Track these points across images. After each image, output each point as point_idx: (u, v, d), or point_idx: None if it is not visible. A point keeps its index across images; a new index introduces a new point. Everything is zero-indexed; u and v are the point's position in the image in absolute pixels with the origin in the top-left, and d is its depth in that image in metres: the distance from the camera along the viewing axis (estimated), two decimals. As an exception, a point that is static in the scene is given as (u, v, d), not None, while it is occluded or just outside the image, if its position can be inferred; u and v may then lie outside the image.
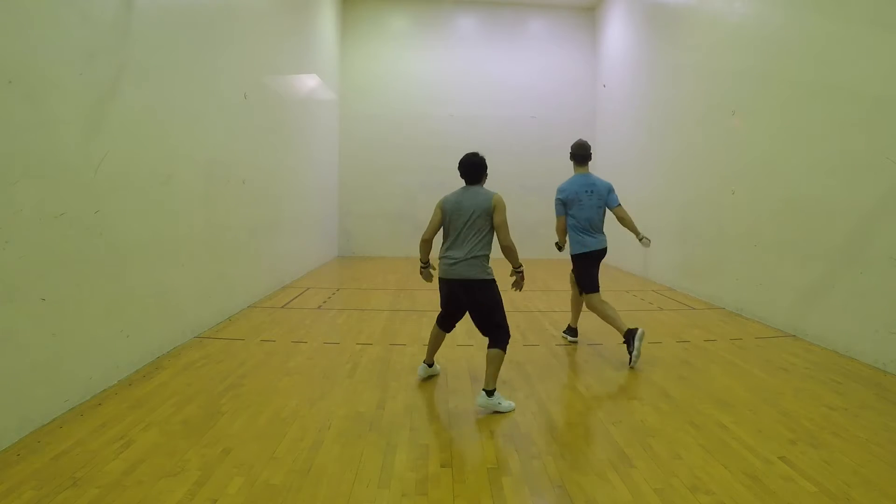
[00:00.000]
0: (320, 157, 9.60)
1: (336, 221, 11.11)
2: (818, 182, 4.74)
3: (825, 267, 4.59)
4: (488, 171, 3.64)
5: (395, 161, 11.23)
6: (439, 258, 3.36)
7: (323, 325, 5.23)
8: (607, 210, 4.48)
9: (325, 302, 6.34)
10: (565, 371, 3.95)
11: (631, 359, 3.94)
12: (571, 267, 4.52)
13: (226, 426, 2.86)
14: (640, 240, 4.45)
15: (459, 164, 3.58)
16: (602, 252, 4.41)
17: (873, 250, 4.09)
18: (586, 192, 4.36)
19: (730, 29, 6.22)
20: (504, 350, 3.19)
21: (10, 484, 2.22)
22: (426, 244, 3.44)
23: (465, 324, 5.35)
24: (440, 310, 3.55)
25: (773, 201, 5.33)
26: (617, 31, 10.30)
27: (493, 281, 3.26)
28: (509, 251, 3.29)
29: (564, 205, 4.40)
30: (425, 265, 3.51)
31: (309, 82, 8.63)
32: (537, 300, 6.71)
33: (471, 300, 3.26)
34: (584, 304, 4.52)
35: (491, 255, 3.31)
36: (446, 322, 3.57)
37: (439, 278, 3.37)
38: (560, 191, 4.43)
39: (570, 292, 4.75)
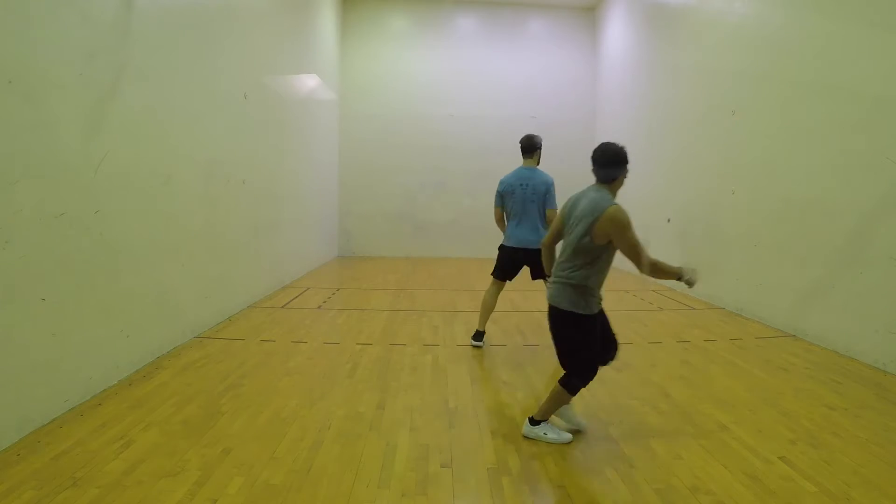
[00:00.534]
0: (320, 157, 9.60)
1: (336, 221, 11.10)
2: (818, 182, 4.74)
3: (825, 267, 4.59)
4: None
5: (395, 161, 11.22)
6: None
7: (323, 325, 5.23)
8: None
9: (325, 302, 6.34)
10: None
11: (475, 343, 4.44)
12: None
13: (226, 426, 2.86)
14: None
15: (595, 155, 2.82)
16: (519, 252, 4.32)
17: (873, 250, 4.09)
18: (521, 185, 4.33)
19: (730, 29, 6.22)
20: (569, 389, 2.72)
21: (10, 484, 2.22)
22: (548, 250, 3.03)
23: (466, 324, 5.39)
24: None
25: (773, 201, 5.33)
26: (617, 31, 10.30)
27: (581, 316, 2.69)
28: None
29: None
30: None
31: (309, 82, 8.63)
32: (537, 300, 6.71)
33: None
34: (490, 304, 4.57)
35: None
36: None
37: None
38: (500, 183, 4.67)
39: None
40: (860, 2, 4.36)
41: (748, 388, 3.58)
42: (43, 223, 2.80)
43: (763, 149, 5.55)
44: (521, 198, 4.28)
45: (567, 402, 2.80)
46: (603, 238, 2.58)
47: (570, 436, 2.79)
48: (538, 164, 4.49)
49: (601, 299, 2.77)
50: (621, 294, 7.12)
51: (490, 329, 5.12)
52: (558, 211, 3.09)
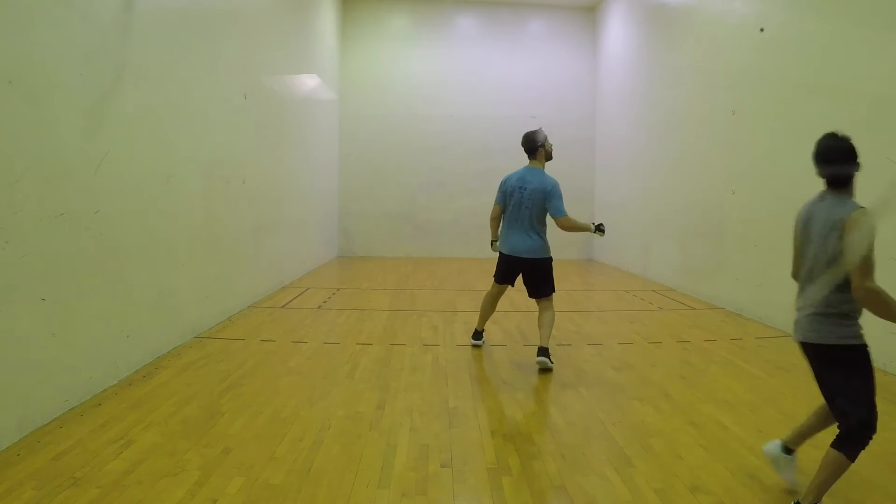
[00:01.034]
0: (320, 156, 9.60)
1: (336, 221, 11.11)
2: (818, 182, 4.70)
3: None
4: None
5: (395, 161, 11.22)
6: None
7: (323, 325, 5.23)
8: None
9: (325, 302, 6.34)
10: (565, 371, 3.95)
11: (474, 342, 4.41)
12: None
13: (226, 426, 2.86)
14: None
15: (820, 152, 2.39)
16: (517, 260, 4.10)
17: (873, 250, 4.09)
18: (520, 187, 4.04)
19: (730, 29, 6.22)
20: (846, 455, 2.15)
21: (10, 484, 2.21)
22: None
23: (466, 324, 5.38)
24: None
25: (773, 201, 5.33)
26: (617, 31, 10.30)
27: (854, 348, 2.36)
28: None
29: None
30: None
31: (309, 82, 8.63)
32: (537, 300, 6.70)
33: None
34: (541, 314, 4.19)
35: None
36: None
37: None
38: (501, 183, 4.41)
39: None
40: (860, 2, 4.36)
41: (748, 388, 3.58)
42: (43, 223, 2.80)
43: (763, 149, 5.55)
44: (518, 201, 4.01)
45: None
46: None
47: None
48: (545, 162, 4.13)
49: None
50: (621, 294, 7.12)
51: (490, 329, 5.13)
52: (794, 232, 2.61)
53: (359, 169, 11.22)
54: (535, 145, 4.09)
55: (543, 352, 3.90)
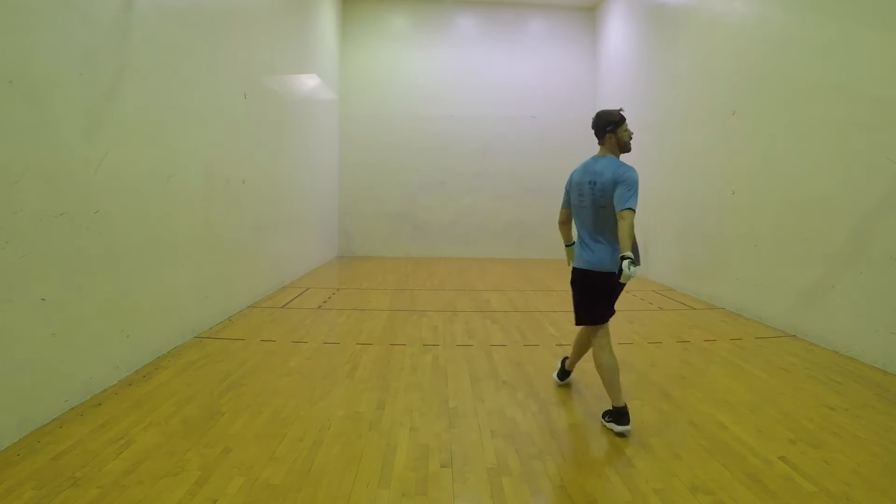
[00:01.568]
0: (320, 156, 9.60)
1: (336, 221, 11.11)
2: (818, 182, 4.74)
3: (825, 267, 4.59)
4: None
5: (395, 161, 11.23)
6: None
7: (323, 325, 5.23)
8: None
9: (325, 302, 6.34)
10: (565, 371, 3.94)
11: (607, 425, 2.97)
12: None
13: (226, 426, 2.86)
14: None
15: None
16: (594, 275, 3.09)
17: (873, 250, 4.09)
18: (589, 182, 3.05)
19: (730, 29, 6.22)
20: None
21: (10, 484, 2.22)
22: None
23: (466, 324, 5.38)
24: None
25: (773, 201, 5.34)
26: (617, 31, 10.30)
27: None
28: None
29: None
30: None
31: (309, 82, 8.63)
32: (537, 300, 6.71)
33: None
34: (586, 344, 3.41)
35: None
36: None
37: None
38: (569, 177, 3.32)
39: (570, 294, 3.60)
40: (860, 2, 4.36)
41: (748, 388, 3.58)
42: (43, 223, 2.80)
43: (763, 149, 5.55)
44: (590, 200, 3.04)
45: None
46: None
47: None
48: (619, 151, 3.14)
49: None
50: (622, 294, 7.10)
51: (490, 329, 5.13)
52: None
53: (359, 169, 11.23)
54: (604, 126, 3.12)
55: (566, 371, 3.07)
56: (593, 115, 3.24)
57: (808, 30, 4.93)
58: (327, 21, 9.79)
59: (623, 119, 3.17)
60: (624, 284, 2.90)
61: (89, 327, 3.19)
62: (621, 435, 2.85)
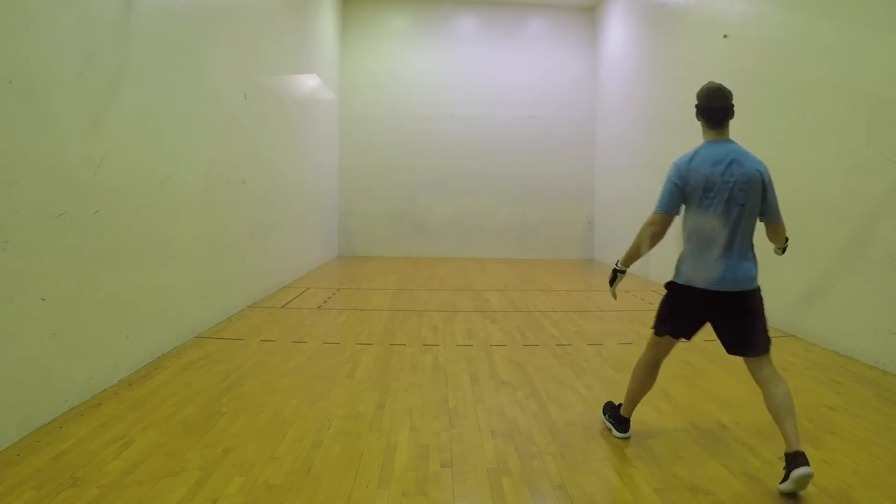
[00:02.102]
0: (320, 157, 9.61)
1: (336, 221, 11.11)
2: (818, 182, 4.74)
3: (825, 267, 4.59)
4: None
5: (395, 161, 11.23)
6: None
7: (323, 325, 5.23)
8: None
9: (325, 302, 6.34)
10: (565, 371, 3.94)
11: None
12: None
13: (226, 426, 2.86)
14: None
15: None
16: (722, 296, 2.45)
17: (873, 250, 4.09)
18: (721, 175, 2.46)
19: (730, 29, 6.22)
20: None
21: (10, 484, 2.21)
22: None
23: (466, 324, 5.39)
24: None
25: (773, 201, 5.33)
26: (617, 31, 10.30)
27: None
28: None
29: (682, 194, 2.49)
30: None
31: (309, 82, 8.63)
32: (537, 300, 6.71)
33: None
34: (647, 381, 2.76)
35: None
36: None
37: None
38: (677, 168, 2.53)
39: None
40: (860, 2, 4.36)
41: (748, 388, 3.56)
42: (43, 223, 2.80)
43: (763, 149, 5.50)
44: (725, 198, 2.43)
45: None
46: None
47: None
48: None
49: None
50: (621, 294, 7.09)
51: (490, 329, 5.13)
52: None
53: (359, 169, 11.23)
54: (731, 108, 2.62)
55: (801, 458, 2.19)
56: (710, 88, 2.64)
57: (808, 30, 4.92)
58: (327, 21, 9.79)
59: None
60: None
61: (89, 327, 3.19)
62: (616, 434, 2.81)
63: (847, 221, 4.36)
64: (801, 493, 2.22)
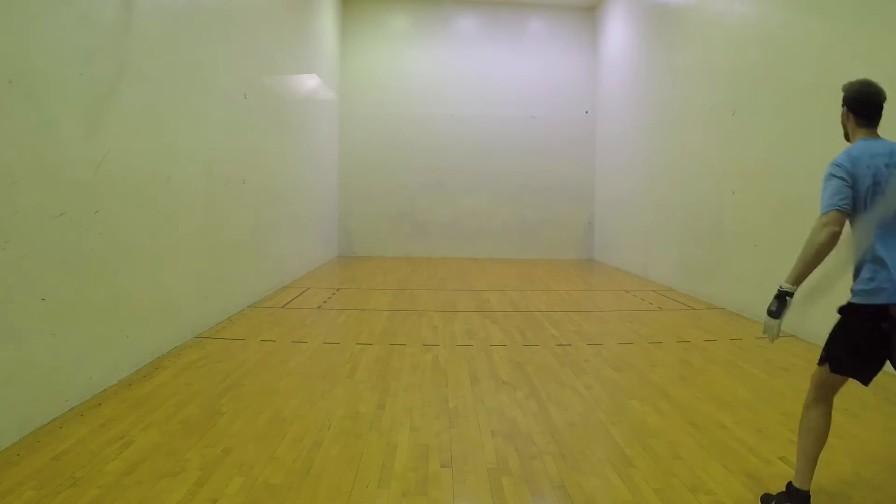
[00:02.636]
0: (320, 156, 9.61)
1: (336, 221, 11.11)
2: (818, 182, 4.70)
3: (825, 267, 4.58)
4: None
5: (395, 161, 11.24)
6: None
7: (323, 325, 5.23)
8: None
9: (325, 302, 6.34)
10: (565, 371, 3.95)
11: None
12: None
13: (226, 426, 2.86)
14: None
15: None
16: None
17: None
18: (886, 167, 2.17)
19: (730, 29, 6.22)
20: None
21: (9, 484, 2.21)
22: None
23: (466, 324, 5.39)
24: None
25: (773, 201, 5.33)
26: (617, 31, 10.30)
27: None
28: None
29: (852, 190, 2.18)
30: None
31: (309, 82, 8.63)
32: (537, 300, 6.71)
33: None
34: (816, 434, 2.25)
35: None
36: None
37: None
38: (839, 165, 2.28)
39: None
40: (860, 2, 4.36)
41: (748, 388, 3.58)
42: (43, 223, 2.80)
43: (763, 149, 5.55)
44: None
45: None
46: None
47: None
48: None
49: None
50: (621, 294, 7.11)
51: (490, 329, 5.12)
52: None
53: (359, 169, 11.24)
54: (881, 104, 2.35)
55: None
56: (865, 83, 2.42)
57: (808, 30, 4.92)
58: (327, 21, 9.79)
59: None
60: None
61: (89, 327, 3.19)
62: None
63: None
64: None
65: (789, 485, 2.18)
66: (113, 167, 3.37)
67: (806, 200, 4.94)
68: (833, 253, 2.25)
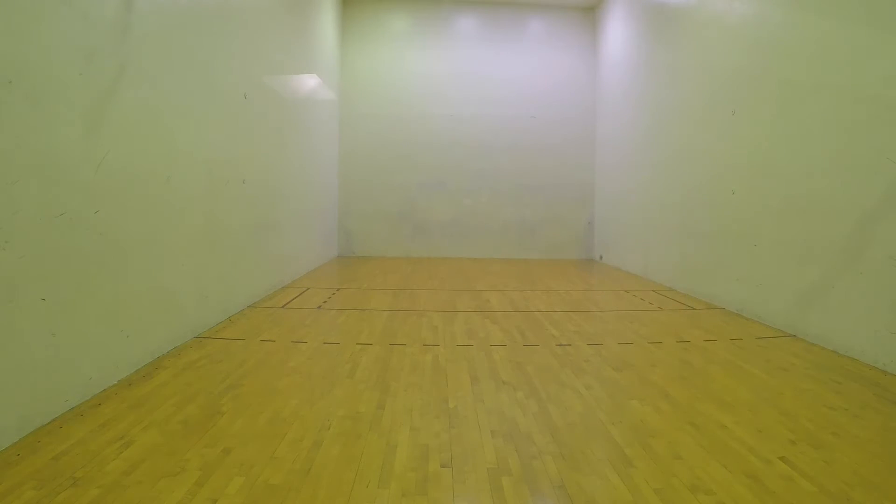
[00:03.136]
0: (320, 156, 9.61)
1: (336, 221, 11.11)
2: (818, 182, 4.74)
3: (825, 267, 4.59)
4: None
5: (395, 161, 11.24)
6: None
7: (323, 325, 5.23)
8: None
9: (325, 302, 6.34)
10: (565, 371, 3.95)
11: None
12: None
13: (226, 426, 2.86)
14: None
15: None
16: None
17: (873, 250, 4.09)
18: None
19: (730, 29, 6.23)
20: None
21: (9, 484, 2.21)
22: None
23: (466, 324, 5.39)
24: None
25: (773, 201, 5.34)
26: (617, 31, 10.30)
27: None
28: None
29: None
30: None
31: (309, 82, 8.63)
32: (537, 300, 6.71)
33: None
34: None
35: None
36: None
37: None
38: None
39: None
40: (860, 2, 4.36)
41: (748, 388, 3.58)
42: (43, 223, 2.80)
43: (763, 149, 5.55)
44: None
45: None
46: None
47: None
48: None
49: None
50: (621, 294, 7.11)
51: (490, 329, 5.13)
52: None
53: (359, 169, 11.24)
54: None
55: None
56: None
57: (808, 30, 4.93)
58: (327, 21, 9.79)
59: None
60: None
61: (89, 327, 3.19)
62: None
63: (847, 221, 4.36)
64: (801, 493, 2.22)
65: None
66: (113, 167, 3.37)
67: (805, 200, 4.96)
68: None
